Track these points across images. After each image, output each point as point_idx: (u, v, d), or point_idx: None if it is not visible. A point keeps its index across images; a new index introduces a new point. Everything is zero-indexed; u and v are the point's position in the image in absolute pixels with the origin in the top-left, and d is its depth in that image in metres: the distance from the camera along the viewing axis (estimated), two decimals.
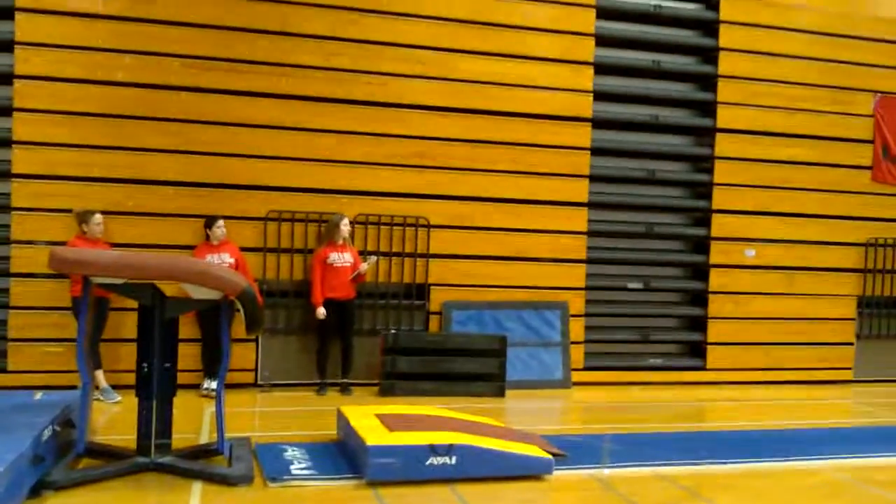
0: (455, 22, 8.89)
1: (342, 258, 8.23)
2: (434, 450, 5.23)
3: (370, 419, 5.78)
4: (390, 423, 5.64)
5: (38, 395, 6.00)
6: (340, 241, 8.25)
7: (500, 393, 8.52)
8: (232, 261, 7.90)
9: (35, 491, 4.66)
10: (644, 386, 9.54)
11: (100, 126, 7.97)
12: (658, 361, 9.79)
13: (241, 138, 8.34)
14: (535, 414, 8.13)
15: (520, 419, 7.45)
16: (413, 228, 8.85)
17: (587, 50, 9.34)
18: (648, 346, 9.89)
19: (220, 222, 7.96)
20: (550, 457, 5.60)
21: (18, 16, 7.74)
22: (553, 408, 8.56)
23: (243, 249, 8.21)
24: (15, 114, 7.78)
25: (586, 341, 9.48)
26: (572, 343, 9.31)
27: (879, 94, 10.31)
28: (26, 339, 7.79)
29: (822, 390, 9.84)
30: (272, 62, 8.40)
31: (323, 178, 8.58)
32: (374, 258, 8.43)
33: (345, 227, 8.25)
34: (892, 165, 10.41)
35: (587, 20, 9.33)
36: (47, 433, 4.97)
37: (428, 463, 5.21)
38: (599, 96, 9.47)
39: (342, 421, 6.02)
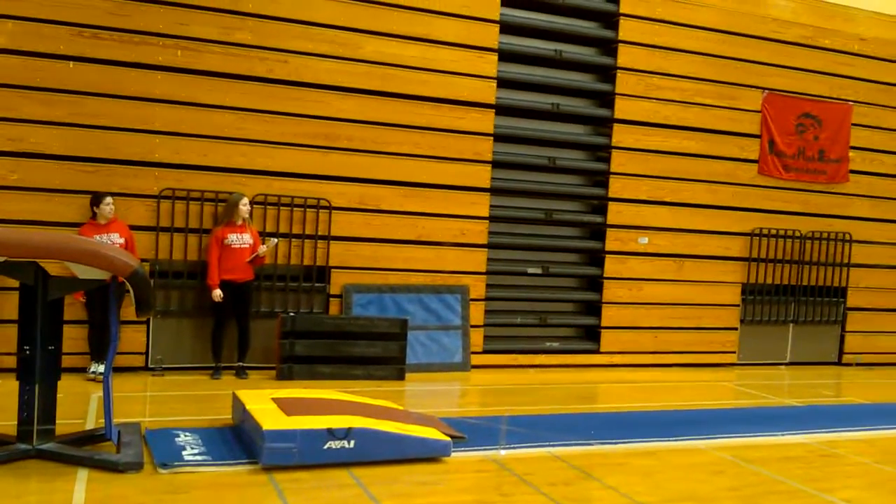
0: (360, 2, 8.78)
1: (241, 239, 8.03)
2: (332, 433, 5.19)
3: (267, 403, 5.69)
4: (287, 407, 5.57)
5: None
6: (240, 222, 8.06)
7: (401, 376, 8.53)
8: (122, 241, 7.60)
9: None
10: (541, 369, 9.75)
11: None
12: (555, 345, 10.02)
13: (134, 112, 8.01)
14: (434, 397, 8.18)
15: (419, 402, 7.48)
16: (314, 210, 8.72)
17: (492, 37, 9.40)
18: (546, 329, 10.10)
19: (109, 199, 7.62)
20: (448, 439, 5.66)
21: None
22: (452, 390, 8.64)
23: (134, 228, 7.91)
24: None
25: (486, 325, 9.60)
26: (472, 326, 9.41)
27: (767, 91, 10.81)
28: None
29: (708, 373, 10.30)
30: (168, 34, 8.09)
31: (220, 157, 8.34)
32: (274, 241, 8.26)
33: (244, 206, 8.05)
34: (778, 159, 10.94)
35: (492, 7, 9.38)
36: None
37: (326, 447, 5.17)
38: (503, 83, 9.56)
39: (238, 405, 5.90)
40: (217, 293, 7.93)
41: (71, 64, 7.77)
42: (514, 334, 9.99)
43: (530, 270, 9.98)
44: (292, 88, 8.57)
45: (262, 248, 8.10)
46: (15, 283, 5.23)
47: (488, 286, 9.61)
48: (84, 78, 7.82)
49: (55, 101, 7.73)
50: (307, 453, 5.12)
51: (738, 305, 10.89)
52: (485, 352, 9.55)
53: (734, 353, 10.92)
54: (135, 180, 8.05)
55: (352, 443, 5.23)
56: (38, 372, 5.06)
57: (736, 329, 10.92)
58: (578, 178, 10.34)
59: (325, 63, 8.68)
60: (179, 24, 8.12)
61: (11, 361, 5.27)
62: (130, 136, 8.01)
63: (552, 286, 10.23)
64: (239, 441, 5.64)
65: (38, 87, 7.68)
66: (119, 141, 7.97)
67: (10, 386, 5.49)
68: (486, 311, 9.61)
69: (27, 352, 5.05)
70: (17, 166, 7.64)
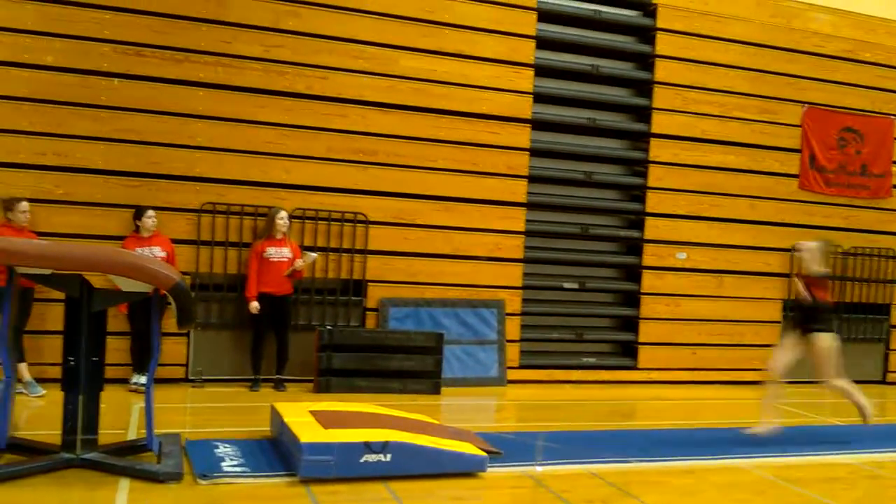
0: (397, 18, 8.87)
1: (280, 253, 8.12)
2: (369, 447, 5.21)
3: (304, 416, 5.73)
4: (325, 419, 5.60)
5: None
6: (279, 236, 8.15)
7: (436, 390, 8.53)
8: (164, 254, 7.72)
9: None
10: (577, 384, 9.68)
11: (27, 111, 7.69)
12: (591, 360, 9.95)
13: (176, 128, 8.16)
14: (470, 411, 8.17)
15: (455, 416, 7.48)
16: (351, 224, 8.79)
17: (528, 52, 9.43)
18: (582, 345, 10.03)
19: (151, 213, 7.76)
20: (485, 454, 5.64)
21: None
22: (488, 405, 8.62)
23: (176, 241, 8.04)
24: None
25: (522, 340, 9.57)
26: (508, 341, 9.39)
27: (807, 105, 10.67)
28: None
29: (748, 391, 10.12)
30: (210, 51, 8.24)
31: (260, 171, 8.46)
32: (313, 255, 8.30)
33: (281, 220, 8.14)
34: (818, 174, 10.79)
35: (528, 22, 9.41)
36: None
37: (362, 460, 5.19)
38: (539, 98, 9.57)
39: (276, 418, 5.95)
40: (254, 305, 8.02)
41: (116, 81, 7.96)
42: (550, 349, 9.94)
43: (566, 285, 9.93)
44: (332, 104, 8.67)
45: (299, 263, 8.17)
46: (60, 296, 5.34)
47: (524, 301, 9.59)
48: (128, 94, 7.99)
49: (100, 117, 7.91)
50: (344, 466, 5.14)
51: (779, 322, 10.72)
52: (521, 367, 9.51)
53: None
54: (176, 194, 8.19)
55: (388, 456, 5.24)
56: (83, 382, 5.15)
57: (776, 346, 10.72)
58: (615, 192, 10.29)
59: (364, 79, 8.77)
60: (221, 42, 8.26)
61: (56, 372, 5.37)
62: (173, 151, 8.16)
63: (588, 301, 10.18)
64: (277, 453, 5.68)
65: (83, 104, 7.87)
66: (161, 156, 8.13)
67: (55, 396, 5.60)
68: (522, 326, 9.59)
69: (72, 363, 5.14)
70: (63, 181, 7.82)
